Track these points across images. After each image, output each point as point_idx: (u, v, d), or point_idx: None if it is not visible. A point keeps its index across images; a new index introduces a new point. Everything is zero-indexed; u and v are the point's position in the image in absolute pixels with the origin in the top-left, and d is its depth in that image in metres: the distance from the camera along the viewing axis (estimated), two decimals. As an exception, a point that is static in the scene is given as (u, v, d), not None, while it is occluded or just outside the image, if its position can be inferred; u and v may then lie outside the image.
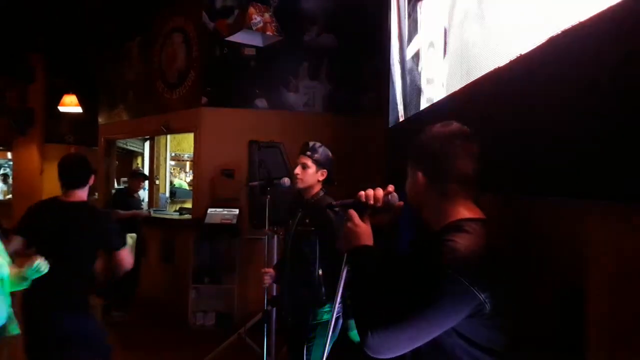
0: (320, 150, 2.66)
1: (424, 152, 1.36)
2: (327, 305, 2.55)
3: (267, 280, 2.93)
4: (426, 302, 1.17)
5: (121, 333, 5.14)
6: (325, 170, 2.65)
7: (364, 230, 1.37)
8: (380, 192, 1.39)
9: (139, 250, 5.47)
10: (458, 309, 1.16)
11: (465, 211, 1.32)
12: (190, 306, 5.23)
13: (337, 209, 1.46)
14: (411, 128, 3.45)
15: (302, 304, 2.57)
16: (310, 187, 2.66)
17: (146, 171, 7.41)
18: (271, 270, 3.03)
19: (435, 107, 2.74)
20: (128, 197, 5.81)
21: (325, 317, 2.55)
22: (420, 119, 3.10)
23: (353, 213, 1.39)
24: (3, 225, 4.52)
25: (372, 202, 1.38)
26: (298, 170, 2.66)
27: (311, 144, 2.69)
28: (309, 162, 2.63)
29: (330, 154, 2.70)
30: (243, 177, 4.94)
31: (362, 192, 1.40)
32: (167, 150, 7.42)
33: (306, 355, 2.52)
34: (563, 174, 1.50)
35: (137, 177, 6.00)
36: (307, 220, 2.65)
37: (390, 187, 1.40)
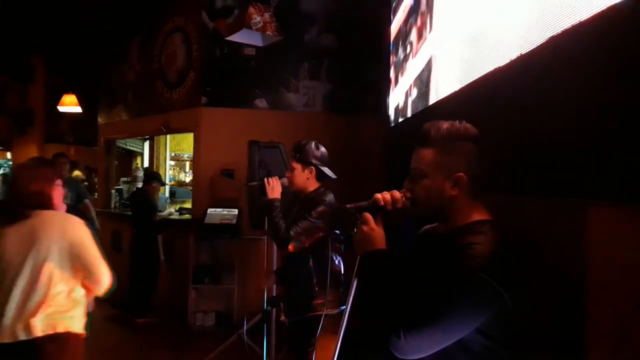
0: (305, 148, 2.63)
1: (452, 153, 1.32)
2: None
3: (266, 282, 2.93)
4: (457, 304, 1.19)
5: (120, 334, 5.14)
6: (312, 167, 2.62)
7: (379, 234, 1.35)
8: (397, 194, 1.35)
9: (157, 253, 5.44)
10: (486, 308, 1.19)
11: (477, 213, 1.33)
12: (190, 306, 5.22)
13: (352, 210, 1.40)
14: (411, 128, 3.45)
15: (297, 300, 2.57)
16: (302, 187, 2.64)
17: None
18: (270, 273, 3.03)
19: (435, 107, 2.75)
20: (150, 198, 5.63)
21: (324, 309, 2.54)
22: (421, 119, 3.10)
23: (368, 217, 1.36)
24: None
25: (390, 207, 1.34)
26: (288, 174, 2.67)
27: (296, 144, 2.67)
28: (294, 163, 2.64)
29: (317, 149, 2.65)
30: (243, 177, 4.93)
31: (379, 196, 1.35)
32: (167, 150, 7.41)
33: None
34: (563, 174, 1.50)
35: (154, 181, 5.72)
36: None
37: (408, 193, 1.36)
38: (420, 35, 3.25)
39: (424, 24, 3.21)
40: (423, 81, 3.12)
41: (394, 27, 4.27)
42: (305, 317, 2.51)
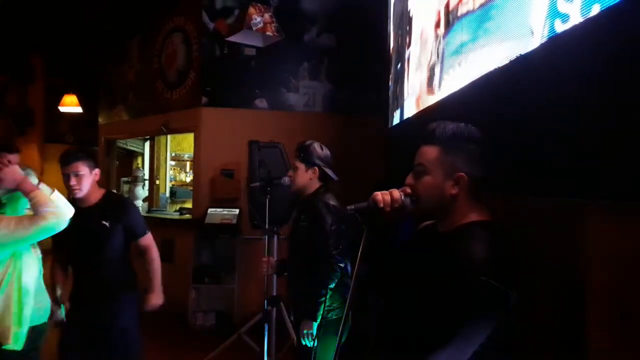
0: (309, 148, 2.63)
1: (455, 153, 1.33)
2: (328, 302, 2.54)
3: (265, 267, 2.91)
4: (469, 313, 1.20)
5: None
6: (315, 168, 2.62)
7: None
8: (396, 194, 1.35)
9: None
10: (498, 312, 1.20)
11: (476, 213, 1.34)
12: (190, 306, 5.23)
13: (352, 212, 1.40)
14: (411, 128, 3.46)
15: (304, 302, 2.57)
16: (304, 187, 2.64)
17: (146, 171, 7.42)
18: (271, 259, 3.01)
19: (435, 107, 2.75)
20: None
21: (331, 315, 2.54)
22: (421, 119, 3.10)
23: None
24: None
25: (388, 208, 1.34)
26: (290, 173, 2.68)
27: (300, 144, 2.67)
28: (297, 163, 2.64)
29: (321, 150, 2.66)
30: (243, 177, 4.94)
31: (379, 197, 1.34)
32: (167, 150, 7.41)
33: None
34: (563, 174, 1.50)
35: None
36: (302, 217, 2.65)
37: (408, 190, 1.36)
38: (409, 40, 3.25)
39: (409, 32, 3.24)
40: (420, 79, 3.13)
41: (392, 30, 4.28)
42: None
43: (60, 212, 2.20)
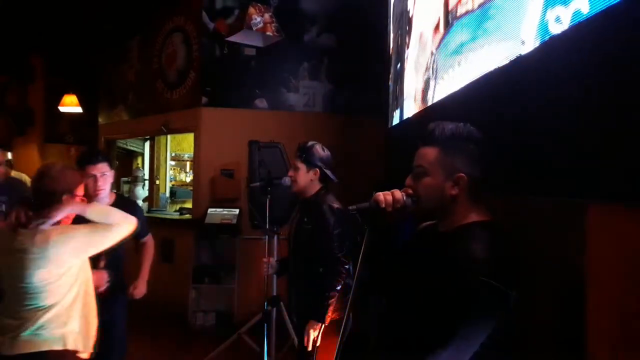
0: (311, 149, 2.64)
1: (454, 154, 1.33)
2: None
3: (266, 268, 2.91)
4: (469, 312, 1.20)
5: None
6: (317, 169, 2.62)
7: None
8: (397, 194, 1.35)
9: None
10: (498, 312, 1.21)
11: (476, 213, 1.34)
12: (190, 306, 5.23)
13: (354, 212, 1.39)
14: (411, 128, 3.46)
15: (306, 303, 2.57)
16: (305, 188, 2.65)
17: (146, 171, 7.42)
18: (271, 259, 3.01)
19: (435, 107, 2.75)
20: None
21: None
22: (421, 119, 3.10)
23: None
24: None
25: (390, 208, 1.34)
26: (291, 173, 2.67)
27: (302, 145, 2.67)
28: (299, 164, 2.63)
29: (323, 152, 2.66)
30: (243, 177, 4.94)
31: (381, 197, 1.34)
32: (167, 151, 7.41)
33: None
34: (563, 174, 1.50)
35: None
36: (305, 219, 2.65)
37: (410, 190, 1.37)
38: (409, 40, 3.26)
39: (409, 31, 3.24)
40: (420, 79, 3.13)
41: (392, 29, 4.28)
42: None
43: (125, 214, 2.15)
